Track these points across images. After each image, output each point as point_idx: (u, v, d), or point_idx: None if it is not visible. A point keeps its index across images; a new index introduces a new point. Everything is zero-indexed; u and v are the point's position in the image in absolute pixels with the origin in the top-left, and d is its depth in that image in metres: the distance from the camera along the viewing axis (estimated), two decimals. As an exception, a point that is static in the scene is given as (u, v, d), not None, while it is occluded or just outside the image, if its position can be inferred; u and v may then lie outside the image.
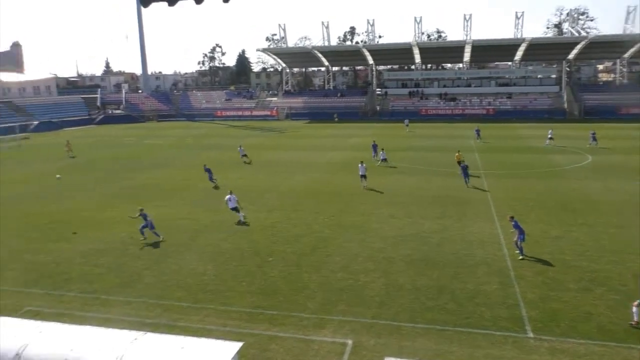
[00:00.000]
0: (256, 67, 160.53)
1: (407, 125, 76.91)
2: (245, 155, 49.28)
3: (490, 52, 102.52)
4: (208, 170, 39.46)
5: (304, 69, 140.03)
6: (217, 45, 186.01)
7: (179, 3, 23.80)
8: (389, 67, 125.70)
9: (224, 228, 27.99)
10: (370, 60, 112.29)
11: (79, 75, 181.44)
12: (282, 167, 46.17)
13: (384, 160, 45.80)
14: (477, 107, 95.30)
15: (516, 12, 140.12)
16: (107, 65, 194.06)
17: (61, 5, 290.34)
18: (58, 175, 37.80)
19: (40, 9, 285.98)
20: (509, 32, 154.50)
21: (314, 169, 44.67)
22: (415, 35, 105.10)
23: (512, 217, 23.21)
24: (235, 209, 28.85)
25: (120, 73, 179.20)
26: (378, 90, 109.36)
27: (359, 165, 37.68)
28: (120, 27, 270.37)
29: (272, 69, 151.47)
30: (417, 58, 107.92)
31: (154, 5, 24.31)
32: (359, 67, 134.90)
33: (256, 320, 17.52)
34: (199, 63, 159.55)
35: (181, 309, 18.44)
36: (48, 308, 18.71)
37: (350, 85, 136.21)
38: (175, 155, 55.78)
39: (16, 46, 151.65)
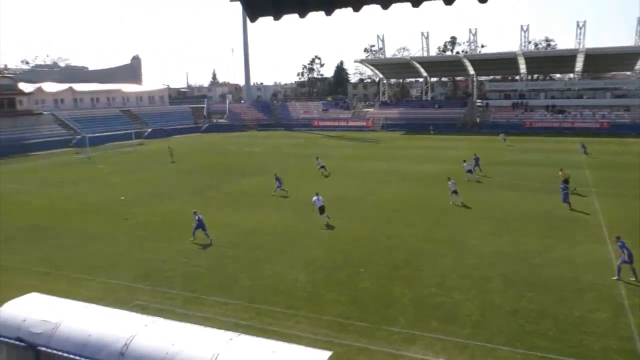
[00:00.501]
0: (353, 78, 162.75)
1: (503, 139, 73.21)
2: (323, 167, 47.26)
3: (606, 61, 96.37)
4: (278, 179, 39.20)
5: (401, 80, 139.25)
6: (316, 57, 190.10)
7: (283, 17, 24.52)
8: (491, 77, 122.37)
9: (316, 236, 28.06)
10: (471, 71, 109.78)
11: (189, 86, 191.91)
12: (375, 177, 45.82)
13: (470, 172, 43.86)
14: (589, 120, 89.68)
15: (638, 18, 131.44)
16: (214, 76, 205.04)
17: (174, 21, 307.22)
18: (122, 197, 37.99)
19: (156, 25, 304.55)
20: (628, 40, 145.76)
21: (407, 180, 44.00)
22: (521, 44, 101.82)
23: (618, 238, 22.08)
24: (322, 209, 29.64)
25: (225, 84, 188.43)
26: (478, 102, 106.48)
27: (449, 182, 36.20)
28: (227, 41, 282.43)
29: (369, 80, 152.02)
30: (523, 68, 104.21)
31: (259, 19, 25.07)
32: (458, 78, 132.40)
33: (346, 330, 17.43)
34: (298, 74, 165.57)
35: (273, 314, 18.68)
36: (153, 303, 19.64)
37: (448, 96, 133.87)
38: (273, 162, 56.74)
39: (136, 59, 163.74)
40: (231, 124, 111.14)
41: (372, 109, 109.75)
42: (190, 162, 58.50)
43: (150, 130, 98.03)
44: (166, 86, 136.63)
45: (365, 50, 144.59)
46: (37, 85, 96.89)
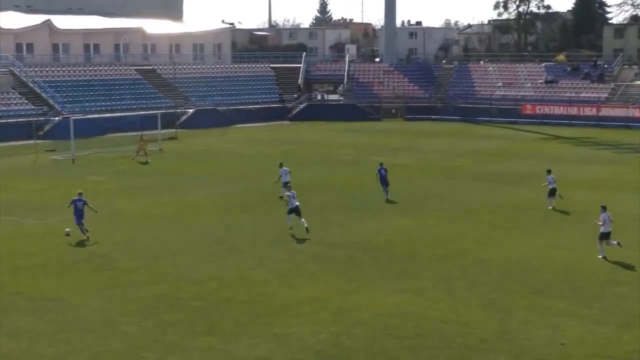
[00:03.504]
0: (618, 17, 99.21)
1: None
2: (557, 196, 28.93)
3: None
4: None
5: None
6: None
7: None
8: None
9: None
10: None
11: (272, 26, 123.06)
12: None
13: None
14: None
15: None
16: (323, 8, 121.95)
17: None
18: (68, 229, 24.50)
19: None
20: None
21: None
22: None
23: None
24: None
25: (342, 24, 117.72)
26: None
27: None
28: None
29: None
30: None
31: None
32: None
33: None
34: (495, 6, 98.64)
35: None
36: None
37: None
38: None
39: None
40: (352, 105, 71.87)
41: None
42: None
43: (192, 110, 65.37)
44: (229, 25, 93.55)
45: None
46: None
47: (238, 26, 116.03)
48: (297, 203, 24.42)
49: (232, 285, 18.91)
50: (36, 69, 64.73)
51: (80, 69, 67.95)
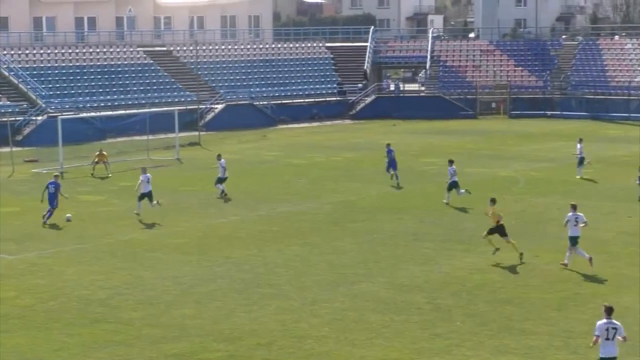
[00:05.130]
0: None
1: None
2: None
3: None
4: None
5: None
6: None
7: None
8: None
9: None
10: None
11: None
12: None
13: None
14: None
15: None
16: None
17: None
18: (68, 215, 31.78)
19: None
20: None
21: None
22: None
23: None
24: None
25: None
26: None
27: None
28: None
29: None
30: None
31: None
32: None
33: None
34: None
35: None
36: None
37: None
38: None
39: None
40: (437, 98, 75.36)
41: None
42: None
43: (221, 106, 68.47)
44: None
45: None
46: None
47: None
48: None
49: (273, 343, 19.41)
50: (12, 52, 67.97)
51: (70, 51, 71.14)
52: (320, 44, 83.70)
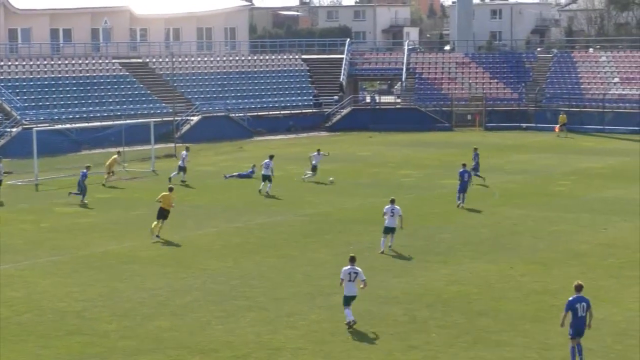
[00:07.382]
0: None
1: None
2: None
3: None
4: None
5: None
6: None
7: None
8: None
9: None
10: None
11: (304, 4, 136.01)
12: None
13: None
14: None
15: None
16: None
17: None
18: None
19: None
20: None
21: None
22: None
23: None
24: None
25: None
26: None
27: None
28: None
29: None
30: None
31: None
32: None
33: None
34: None
35: None
36: None
37: None
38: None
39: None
40: (413, 110, 75.66)
41: None
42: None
43: (196, 118, 68.94)
44: (246, 3, 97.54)
45: None
46: None
47: (258, 4, 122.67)
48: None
49: (249, 355, 19.44)
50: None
51: (45, 63, 71.18)
52: (296, 56, 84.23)
